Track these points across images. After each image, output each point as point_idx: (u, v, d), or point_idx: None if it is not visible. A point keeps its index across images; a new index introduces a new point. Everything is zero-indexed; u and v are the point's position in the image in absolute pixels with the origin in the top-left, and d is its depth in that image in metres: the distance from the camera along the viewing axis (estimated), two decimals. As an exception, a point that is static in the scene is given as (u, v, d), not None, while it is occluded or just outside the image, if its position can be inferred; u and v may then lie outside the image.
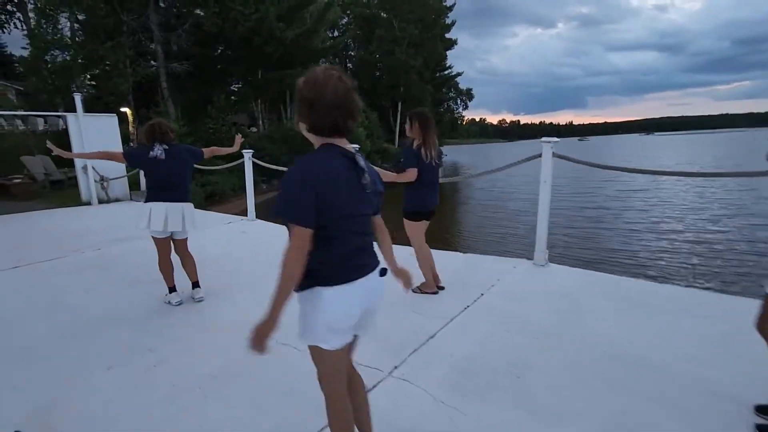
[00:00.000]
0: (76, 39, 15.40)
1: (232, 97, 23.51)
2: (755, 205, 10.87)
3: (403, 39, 35.79)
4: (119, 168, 10.00)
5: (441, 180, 3.41)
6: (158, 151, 3.15)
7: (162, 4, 19.12)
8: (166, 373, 2.39)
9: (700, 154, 35.72)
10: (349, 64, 43.35)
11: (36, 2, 15.42)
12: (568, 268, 4.06)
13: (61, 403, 2.14)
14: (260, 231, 6.22)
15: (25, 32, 15.89)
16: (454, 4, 41.34)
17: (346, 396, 1.50)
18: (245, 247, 5.25)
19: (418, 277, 3.37)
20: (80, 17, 15.61)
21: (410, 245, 3.38)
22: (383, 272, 1.44)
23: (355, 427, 1.55)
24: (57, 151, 3.66)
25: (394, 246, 1.61)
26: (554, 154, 3.71)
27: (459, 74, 46.69)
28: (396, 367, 2.33)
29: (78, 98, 9.02)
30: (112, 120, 9.96)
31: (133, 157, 3.22)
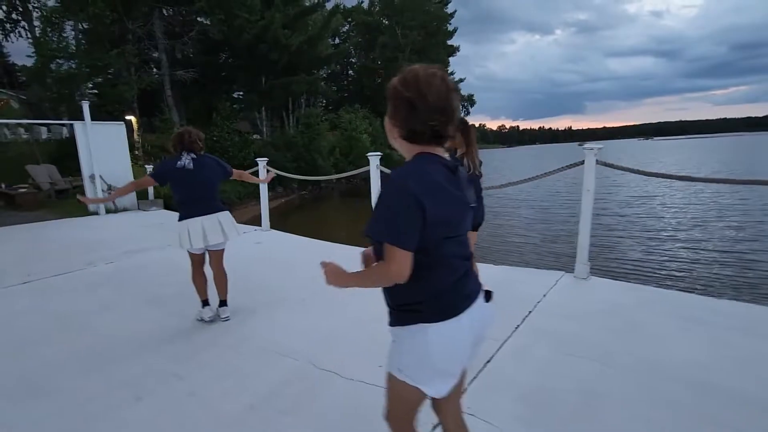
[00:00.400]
0: (82, 47, 15.28)
1: (235, 105, 23.45)
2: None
3: (406, 46, 35.83)
4: (127, 177, 9.84)
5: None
6: (186, 160, 2.98)
7: (166, 12, 19.06)
8: (201, 404, 2.18)
9: (706, 159, 35.50)
10: (350, 71, 43.41)
11: (41, 11, 15.33)
12: (610, 281, 3.86)
13: (89, 443, 1.93)
14: (275, 241, 6.03)
15: (30, 41, 15.81)
16: (455, 11, 41.52)
17: None
18: (262, 259, 5.05)
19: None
20: (85, 25, 15.51)
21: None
22: (488, 296, 1.25)
23: None
24: (90, 200, 3.59)
25: None
26: (598, 162, 3.52)
27: (461, 80, 46.81)
28: (455, 398, 2.12)
29: (86, 106, 8.87)
30: (119, 128, 9.81)
31: (160, 175, 3.02)
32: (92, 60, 14.62)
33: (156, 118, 19.34)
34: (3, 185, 11.14)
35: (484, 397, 2.11)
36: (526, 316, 3.00)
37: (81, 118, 9.07)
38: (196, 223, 3.01)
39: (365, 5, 40.65)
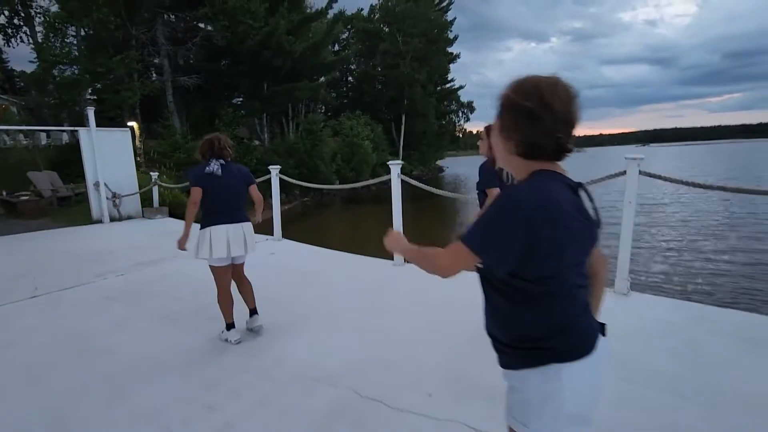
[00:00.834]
0: (84, 52, 15.12)
1: (236, 111, 23.31)
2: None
3: (407, 53, 35.86)
4: (132, 184, 9.65)
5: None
6: (215, 166, 2.87)
7: (169, 18, 18.96)
8: (240, 441, 1.98)
9: (711, 165, 35.43)
10: (349, 77, 43.44)
11: (45, 16, 15.18)
12: (652, 296, 3.69)
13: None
14: (289, 252, 5.84)
15: (32, 46, 15.64)
16: (455, 18, 41.67)
17: None
18: (279, 270, 4.84)
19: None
20: (89, 31, 15.36)
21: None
22: (603, 329, 1.09)
23: None
24: (183, 245, 3.00)
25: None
26: (641, 172, 3.36)
27: (461, 87, 46.78)
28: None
29: (91, 112, 8.68)
30: (125, 134, 9.63)
31: (198, 180, 2.84)
32: (95, 66, 14.45)
33: (157, 124, 19.16)
34: (4, 192, 10.92)
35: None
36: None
37: (82, 124, 8.89)
38: (220, 231, 2.85)
39: (365, 12, 40.81)
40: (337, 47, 37.41)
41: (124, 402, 2.33)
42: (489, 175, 2.80)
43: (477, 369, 2.46)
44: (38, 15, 16.56)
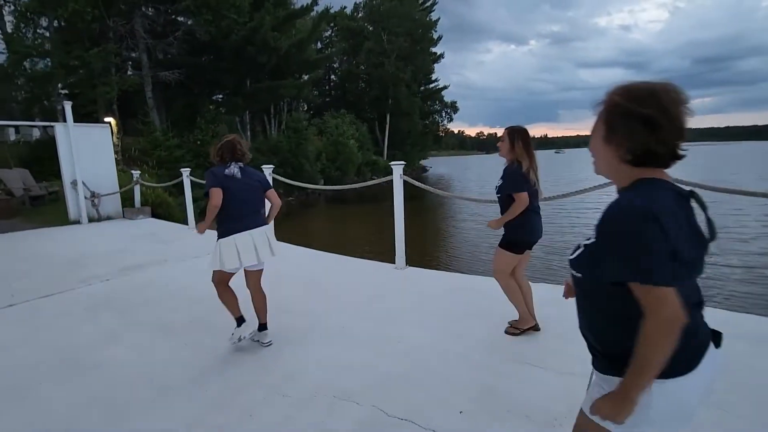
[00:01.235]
0: (58, 44, 14.40)
1: (218, 108, 22.72)
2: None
3: (392, 51, 35.77)
4: (112, 183, 9.21)
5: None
6: (234, 168, 2.71)
7: (150, 11, 18.29)
8: (261, 471, 1.80)
9: (708, 167, 36.14)
10: (332, 76, 43.08)
11: (15, 5, 14.40)
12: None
13: None
14: (286, 255, 5.56)
15: (1, 37, 14.83)
16: (439, 18, 41.82)
17: None
18: (275, 275, 4.60)
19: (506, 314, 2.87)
20: (63, 22, 14.64)
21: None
22: (718, 339, 1.04)
23: None
24: (202, 228, 2.75)
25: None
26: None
27: (445, 87, 47.03)
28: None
29: (68, 107, 8.23)
30: (104, 131, 9.20)
31: (219, 181, 2.63)
32: (69, 58, 13.79)
33: (136, 121, 18.49)
34: (-29, 191, 10.28)
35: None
36: (601, 346, 2.72)
37: (55, 119, 8.44)
38: (245, 238, 2.68)
39: (348, 10, 40.55)
40: (320, 45, 37.04)
41: (124, 426, 2.11)
42: (516, 178, 2.68)
43: (507, 382, 2.33)
44: (8, 4, 15.72)
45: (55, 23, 14.86)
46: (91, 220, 8.77)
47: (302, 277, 4.57)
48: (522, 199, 2.63)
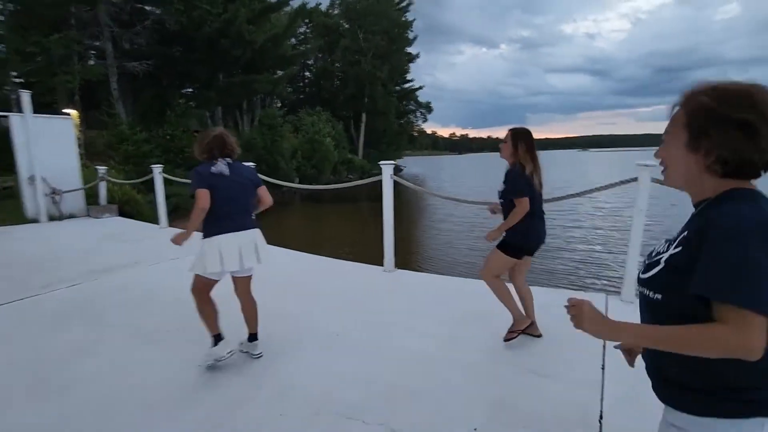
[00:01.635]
0: (12, 29, 13.39)
1: (191, 102, 21.89)
2: None
3: (368, 50, 35.56)
4: (74, 180, 8.62)
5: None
6: (222, 165, 2.49)
7: (114, -2, 17.36)
8: (266, 502, 1.63)
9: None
10: (306, 73, 42.46)
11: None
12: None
13: None
14: (271, 257, 5.37)
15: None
16: (414, 19, 41.92)
17: None
18: (265, 279, 4.37)
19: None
20: (19, 6, 13.63)
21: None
22: None
23: None
24: (180, 239, 2.43)
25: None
26: (653, 180, 3.32)
27: (420, 87, 47.25)
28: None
29: (26, 96, 7.63)
30: (66, 123, 8.61)
31: (205, 180, 2.40)
32: (26, 45, 12.87)
33: (99, 112, 17.51)
34: None
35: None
36: (604, 352, 2.69)
37: (8, 109, 7.80)
38: (230, 241, 2.46)
39: (323, 7, 40.04)
40: (294, 41, 36.40)
41: (105, 454, 1.89)
42: (519, 182, 2.61)
43: (517, 394, 2.26)
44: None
45: (11, 6, 13.84)
46: (51, 218, 8.18)
47: (286, 279, 4.36)
48: (523, 204, 2.56)
